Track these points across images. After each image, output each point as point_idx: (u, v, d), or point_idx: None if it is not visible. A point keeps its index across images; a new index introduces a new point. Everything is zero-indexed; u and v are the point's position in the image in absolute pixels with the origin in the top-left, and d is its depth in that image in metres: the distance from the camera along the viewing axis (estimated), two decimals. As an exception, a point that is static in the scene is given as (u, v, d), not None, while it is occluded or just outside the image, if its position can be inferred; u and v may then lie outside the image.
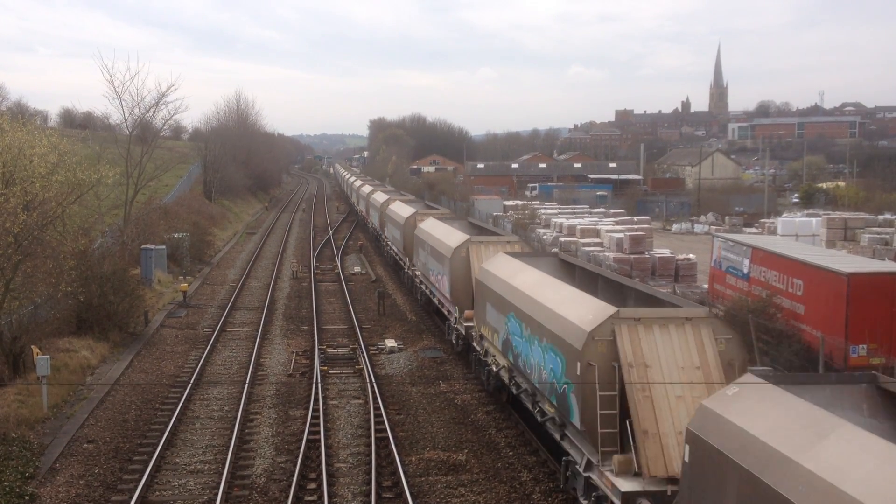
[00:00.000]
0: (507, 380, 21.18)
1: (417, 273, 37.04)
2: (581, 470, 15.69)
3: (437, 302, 32.41)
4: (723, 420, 10.85)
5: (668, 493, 13.54)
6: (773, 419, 10.29)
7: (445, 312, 30.65)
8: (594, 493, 15.15)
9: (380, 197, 60.02)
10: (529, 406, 19.18)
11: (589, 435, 15.18)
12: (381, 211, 55.25)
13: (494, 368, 22.43)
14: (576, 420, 15.59)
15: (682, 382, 14.57)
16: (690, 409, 13.91)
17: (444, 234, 32.14)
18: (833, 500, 8.70)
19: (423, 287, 35.63)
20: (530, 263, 22.54)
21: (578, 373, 15.30)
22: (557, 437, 17.26)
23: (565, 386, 16.07)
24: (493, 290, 22.43)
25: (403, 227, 42.91)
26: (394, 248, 47.68)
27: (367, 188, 74.94)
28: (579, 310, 16.54)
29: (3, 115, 26.99)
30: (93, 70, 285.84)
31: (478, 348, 24.61)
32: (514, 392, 20.60)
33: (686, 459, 11.54)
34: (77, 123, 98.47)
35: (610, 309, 15.67)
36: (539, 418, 18.45)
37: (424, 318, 36.11)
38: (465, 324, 26.57)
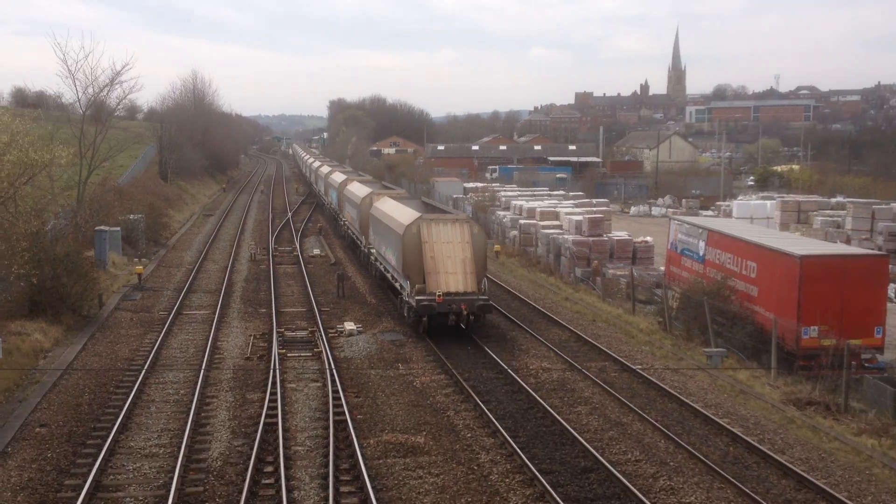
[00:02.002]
0: (381, 269, 35.98)
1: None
2: (404, 297, 29.90)
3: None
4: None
5: (437, 300, 28.24)
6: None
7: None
8: (407, 306, 29.49)
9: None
10: (386, 275, 34.51)
11: (406, 277, 29.41)
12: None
13: (378, 265, 36.73)
14: (401, 270, 29.88)
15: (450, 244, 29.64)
16: (454, 261, 29.34)
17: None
18: (381, 215, 34.23)
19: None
20: (402, 203, 36.99)
21: (402, 246, 29.58)
22: (397, 285, 31.49)
23: (397, 252, 30.42)
24: (377, 219, 36.34)
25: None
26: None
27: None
28: (405, 217, 31.47)
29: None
30: (45, 49, 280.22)
31: (372, 258, 38.62)
32: (381, 270, 35.88)
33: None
34: (29, 103, 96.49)
35: (417, 214, 30.96)
36: (390, 280, 33.35)
37: (384, 301, 36.07)
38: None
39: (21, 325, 27.97)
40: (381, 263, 36.14)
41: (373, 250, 38.47)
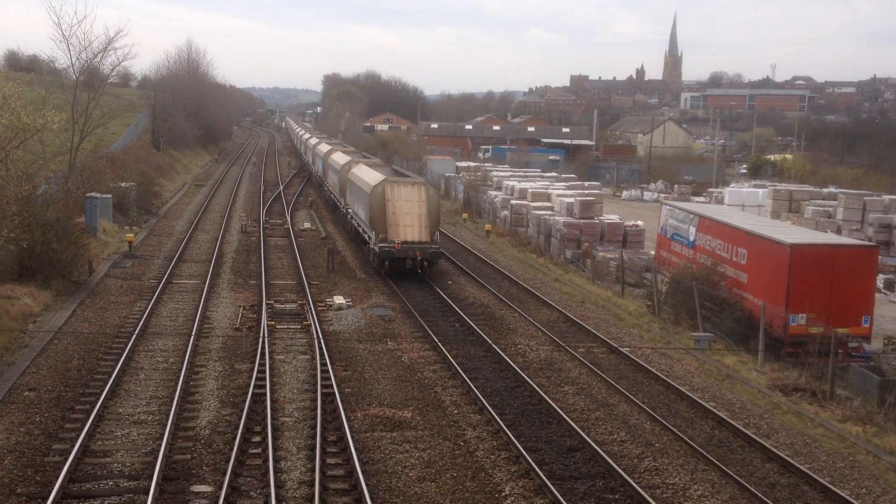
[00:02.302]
0: (354, 224, 41.91)
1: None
2: (371, 245, 36.20)
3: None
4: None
5: (396, 247, 34.02)
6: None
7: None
8: (373, 253, 35.69)
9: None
10: (358, 229, 40.33)
11: (371, 226, 35.74)
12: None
13: (352, 222, 42.72)
14: (368, 223, 36.33)
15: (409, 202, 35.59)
16: (411, 216, 35.10)
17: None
18: (356, 179, 41.35)
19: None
20: (374, 169, 42.66)
21: (370, 203, 35.83)
22: (365, 237, 37.84)
23: (366, 208, 36.66)
24: (353, 182, 42.51)
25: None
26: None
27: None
28: (374, 179, 37.36)
29: (-55, 54, 26.20)
30: (39, 12, 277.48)
31: (349, 217, 44.20)
32: (355, 226, 41.66)
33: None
34: (22, 66, 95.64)
35: (383, 177, 36.98)
36: (361, 233, 39.39)
37: (373, 277, 36.09)
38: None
39: (10, 289, 27.90)
40: (354, 220, 42.31)
41: (350, 210, 44.21)
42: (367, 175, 39.90)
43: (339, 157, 53.27)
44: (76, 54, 49.49)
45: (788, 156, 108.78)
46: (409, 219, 35.39)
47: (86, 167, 47.14)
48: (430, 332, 26.92)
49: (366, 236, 37.94)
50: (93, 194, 42.04)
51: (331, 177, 56.21)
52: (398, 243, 34.70)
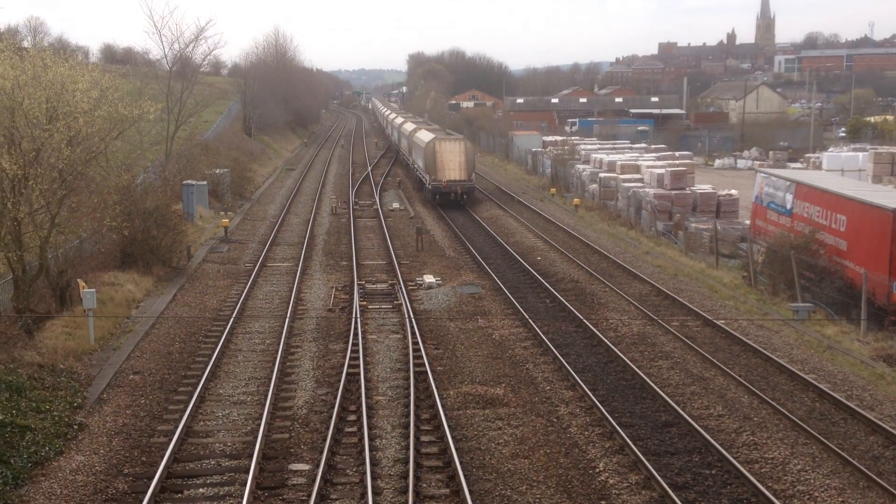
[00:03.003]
0: (416, 173, 56.85)
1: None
2: (426, 184, 51.70)
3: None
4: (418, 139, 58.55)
5: (443, 184, 49.35)
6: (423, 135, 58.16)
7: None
8: (427, 189, 52.03)
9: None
10: (418, 175, 55.93)
11: (427, 171, 51.17)
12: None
13: (414, 171, 58.89)
14: (423, 167, 52.14)
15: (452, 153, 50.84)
16: (453, 162, 50.25)
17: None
18: (417, 140, 57.78)
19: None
20: (431, 132, 57.94)
21: (424, 154, 51.37)
22: (423, 180, 52.83)
23: (422, 158, 52.18)
24: (415, 143, 57.74)
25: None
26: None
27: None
28: (427, 137, 53.50)
29: (46, 51, 27.08)
30: (132, 5, 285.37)
31: (412, 167, 61.06)
32: (417, 174, 57.04)
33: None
34: (118, 59, 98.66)
35: (434, 136, 52.88)
36: (419, 177, 55.13)
37: (462, 254, 36.21)
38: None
39: (114, 276, 28.95)
40: (416, 170, 58.17)
41: (415, 164, 59.00)
42: (424, 135, 56.27)
43: (409, 126, 68.90)
44: (168, 45, 51.38)
45: (890, 117, 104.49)
46: (451, 164, 50.34)
47: (181, 155, 48.48)
48: (521, 308, 26.89)
49: (424, 179, 53.36)
50: (189, 181, 43.24)
51: (403, 142, 69.61)
52: (444, 182, 49.60)
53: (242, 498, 14.58)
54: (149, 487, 14.88)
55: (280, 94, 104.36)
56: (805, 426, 17.51)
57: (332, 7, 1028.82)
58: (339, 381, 20.21)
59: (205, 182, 45.94)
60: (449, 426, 17.53)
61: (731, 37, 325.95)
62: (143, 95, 38.63)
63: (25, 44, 66.11)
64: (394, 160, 78.43)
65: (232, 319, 25.60)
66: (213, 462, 16.40)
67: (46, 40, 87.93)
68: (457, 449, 16.44)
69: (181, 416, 18.07)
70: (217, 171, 50.67)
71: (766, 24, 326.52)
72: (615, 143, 71.36)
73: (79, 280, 24.96)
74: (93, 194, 26.44)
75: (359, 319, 25.28)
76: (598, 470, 16.05)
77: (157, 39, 56.30)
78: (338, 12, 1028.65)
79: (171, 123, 47.56)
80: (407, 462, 16.02)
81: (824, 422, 18.11)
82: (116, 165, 33.30)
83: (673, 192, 40.96)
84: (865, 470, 15.53)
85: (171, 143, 47.62)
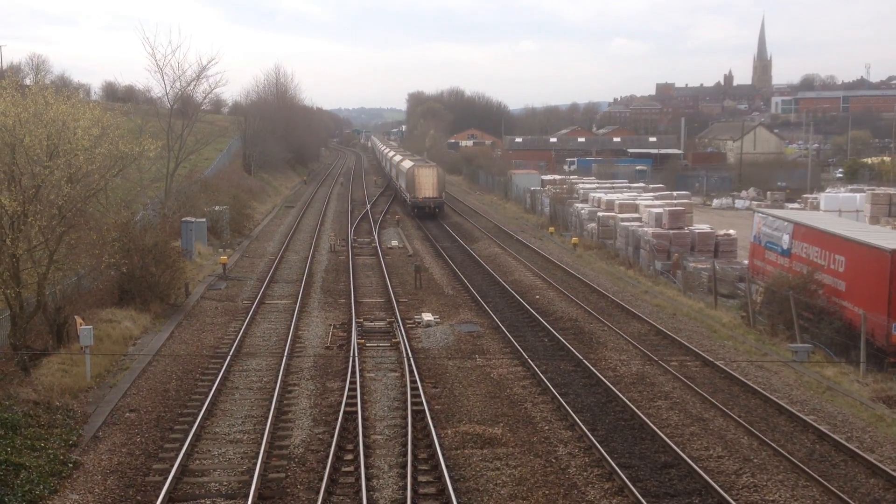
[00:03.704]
0: (401, 194, 74.37)
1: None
2: (407, 201, 68.37)
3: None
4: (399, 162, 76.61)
5: (419, 199, 64.71)
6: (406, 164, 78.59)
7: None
8: (408, 204, 68.10)
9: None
10: (401, 193, 74.16)
11: (408, 191, 67.87)
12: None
13: (399, 192, 76.22)
14: (405, 188, 69.35)
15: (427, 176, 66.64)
16: (428, 183, 65.56)
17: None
18: (401, 167, 76.90)
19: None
20: (412, 161, 76.96)
21: (406, 177, 68.97)
22: (404, 197, 70.77)
23: (404, 181, 69.99)
24: (400, 170, 75.13)
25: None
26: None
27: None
28: (408, 164, 72.16)
29: (48, 89, 27.25)
30: (134, 44, 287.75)
31: (398, 189, 77.60)
32: (401, 195, 73.89)
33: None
34: (119, 97, 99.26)
35: (413, 163, 73.09)
36: (402, 196, 72.48)
37: (461, 292, 36.19)
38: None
39: (111, 313, 28.89)
40: (400, 191, 74.11)
41: (399, 185, 76.06)
42: (406, 163, 73.73)
43: (398, 158, 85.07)
44: (170, 83, 51.17)
45: (886, 158, 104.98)
46: (427, 185, 65.12)
47: (181, 192, 48.58)
48: (519, 347, 26.81)
49: (405, 197, 69.38)
50: (188, 218, 43.30)
51: (392, 171, 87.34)
52: (421, 198, 64.59)
53: (238, 538, 14.42)
54: (143, 527, 14.71)
55: (280, 132, 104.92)
56: (805, 468, 17.39)
57: (333, 46, 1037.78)
58: (337, 419, 20.09)
59: (204, 219, 46.01)
60: (447, 466, 17.40)
61: (729, 78, 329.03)
62: (143, 133, 38.77)
63: (27, 81, 66.56)
64: (392, 198, 78.79)
65: (229, 357, 25.49)
66: (208, 502, 16.25)
67: (48, 78, 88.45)
68: (454, 489, 16.30)
69: (177, 455, 17.93)
70: (216, 208, 50.76)
71: (763, 65, 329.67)
72: (613, 183, 71.61)
73: (76, 317, 24.91)
74: (92, 231, 26.49)
75: (357, 357, 25.19)
76: (597, 511, 15.89)
77: (158, 78, 56.63)
78: (339, 51, 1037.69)
79: (171, 161, 47.73)
80: (405, 502, 15.88)
81: (825, 464, 17.99)
82: (116, 202, 33.41)
83: (671, 231, 41.05)
84: (867, 513, 15.39)
85: (171, 181, 47.75)
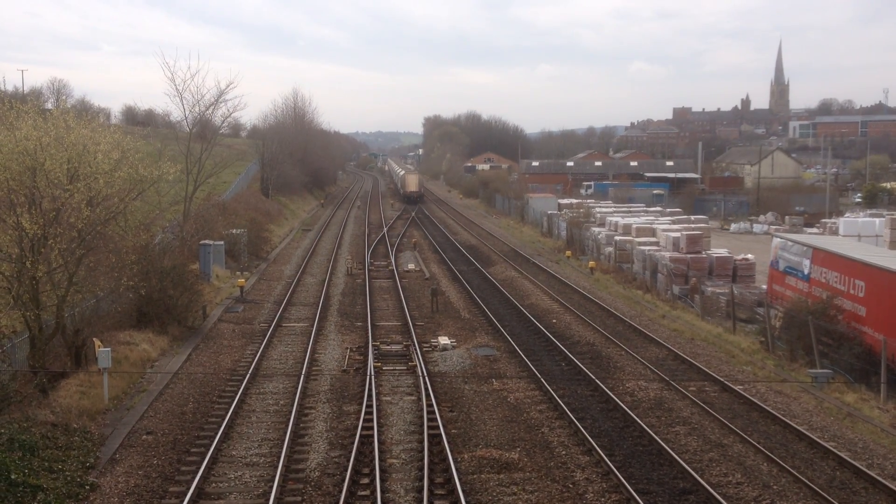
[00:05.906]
0: (398, 192, 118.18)
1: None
2: (401, 194, 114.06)
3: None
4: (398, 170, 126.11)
5: (407, 192, 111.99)
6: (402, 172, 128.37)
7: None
8: (399, 196, 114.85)
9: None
10: (397, 187, 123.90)
11: (400, 188, 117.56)
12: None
13: (397, 190, 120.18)
14: (399, 186, 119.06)
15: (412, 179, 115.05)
16: (412, 182, 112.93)
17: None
18: (398, 174, 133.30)
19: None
20: (405, 169, 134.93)
21: (399, 179, 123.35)
22: (398, 190, 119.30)
23: (398, 182, 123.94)
24: (398, 177, 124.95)
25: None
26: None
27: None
28: (401, 171, 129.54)
29: (68, 113, 27.57)
30: (154, 68, 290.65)
31: (397, 188, 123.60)
32: (399, 193, 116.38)
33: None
34: (139, 121, 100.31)
35: (404, 171, 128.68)
36: (399, 189, 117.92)
37: (478, 316, 36.14)
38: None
39: (130, 335, 29.01)
40: (397, 187, 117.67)
41: (396, 184, 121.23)
42: (401, 171, 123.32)
43: (400, 171, 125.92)
44: (189, 108, 51.58)
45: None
46: (412, 184, 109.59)
47: (199, 215, 48.88)
48: (536, 371, 26.71)
49: (400, 191, 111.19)
50: (206, 241, 43.53)
51: (396, 179, 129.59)
52: (408, 191, 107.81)
53: (253, 562, 14.39)
54: (159, 550, 14.72)
55: (298, 156, 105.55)
56: (826, 495, 17.20)
57: (351, 70, 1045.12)
58: (353, 443, 20.05)
59: (222, 242, 46.25)
60: (463, 490, 17.31)
61: (746, 102, 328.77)
62: (162, 156, 39.05)
63: (48, 105, 67.29)
64: (410, 221, 78.82)
65: (246, 380, 25.53)
66: (224, 525, 16.20)
67: (69, 102, 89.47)
68: (471, 514, 16.21)
69: (193, 478, 17.93)
70: (234, 231, 51.01)
71: (780, 90, 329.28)
72: (630, 207, 71.47)
73: (94, 339, 25.02)
74: (111, 253, 26.67)
75: (373, 381, 25.17)
76: (614, 538, 15.76)
77: (178, 102, 57.20)
78: (356, 75, 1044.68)
79: (190, 184, 48.04)
80: (420, 527, 15.83)
81: (845, 490, 17.78)
82: (135, 225, 33.57)
83: (689, 255, 40.89)
84: (889, 541, 15.19)
85: (190, 204, 48.05)
